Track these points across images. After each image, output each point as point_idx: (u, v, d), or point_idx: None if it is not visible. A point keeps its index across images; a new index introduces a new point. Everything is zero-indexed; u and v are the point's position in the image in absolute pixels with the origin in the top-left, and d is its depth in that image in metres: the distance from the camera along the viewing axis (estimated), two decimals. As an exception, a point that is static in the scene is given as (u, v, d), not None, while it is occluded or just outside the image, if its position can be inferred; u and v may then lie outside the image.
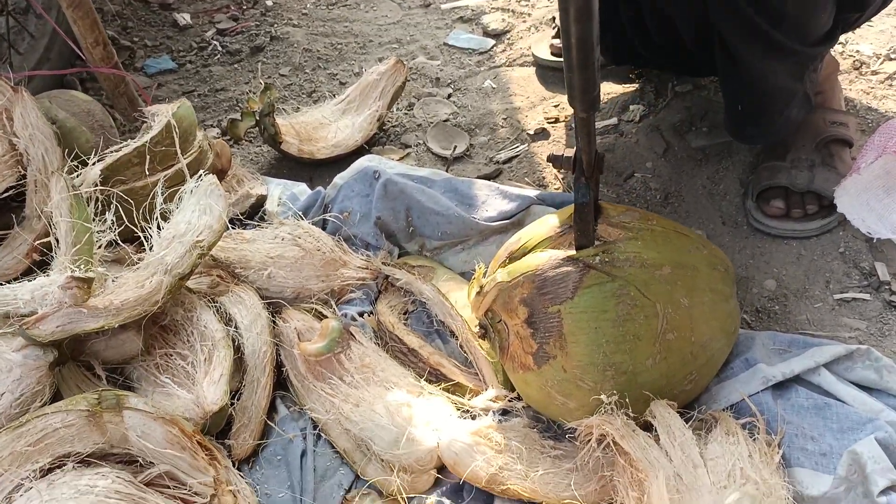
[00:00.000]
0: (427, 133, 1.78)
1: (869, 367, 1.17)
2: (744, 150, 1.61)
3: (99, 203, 1.29)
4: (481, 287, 1.12)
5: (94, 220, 1.26)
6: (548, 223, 1.20)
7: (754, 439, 1.06)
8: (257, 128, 1.68)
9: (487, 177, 1.66)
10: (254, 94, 1.91)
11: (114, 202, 1.28)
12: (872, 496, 1.00)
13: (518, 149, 1.74)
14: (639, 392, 1.06)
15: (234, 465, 1.18)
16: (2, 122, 1.37)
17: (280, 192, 1.58)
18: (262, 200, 1.54)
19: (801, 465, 1.06)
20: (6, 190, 1.36)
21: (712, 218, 1.52)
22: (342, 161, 1.68)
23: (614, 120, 1.76)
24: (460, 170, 1.70)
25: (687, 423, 1.07)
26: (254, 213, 1.54)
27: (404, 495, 1.10)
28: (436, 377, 1.27)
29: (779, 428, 1.09)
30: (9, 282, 1.32)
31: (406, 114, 1.88)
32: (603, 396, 1.03)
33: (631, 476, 1.02)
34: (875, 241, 1.40)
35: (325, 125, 1.73)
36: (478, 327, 1.20)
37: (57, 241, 1.23)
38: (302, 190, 1.60)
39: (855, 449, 1.04)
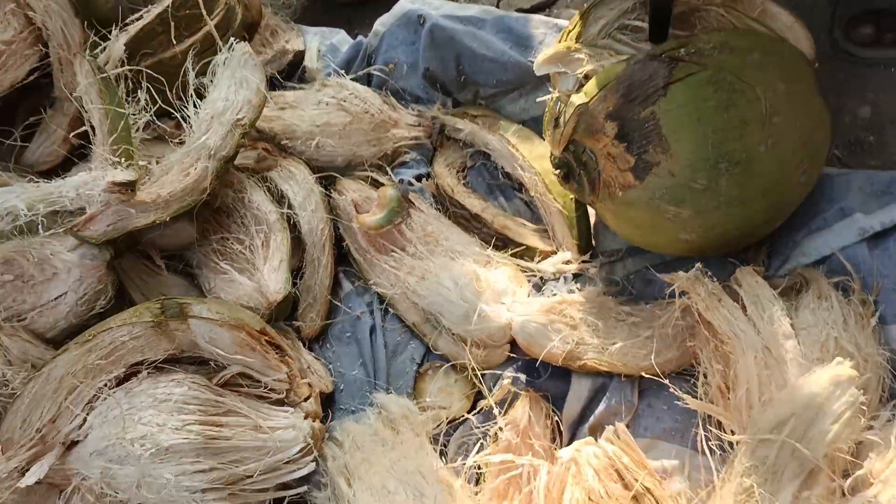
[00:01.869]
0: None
1: None
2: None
3: (129, 81, 1.20)
4: (557, 117, 1.02)
5: (127, 101, 1.18)
6: None
7: (849, 300, 0.99)
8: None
9: (544, 5, 1.50)
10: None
11: (144, 80, 1.19)
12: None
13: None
14: (751, 206, 0.99)
15: (304, 345, 1.18)
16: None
17: (318, 44, 1.46)
18: (300, 56, 1.43)
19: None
20: (31, 72, 1.27)
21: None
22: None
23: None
24: (511, -3, 1.54)
25: (775, 286, 1.00)
26: (293, 70, 1.43)
27: (478, 371, 1.08)
28: (503, 242, 1.21)
29: (875, 284, 1.02)
30: (49, 172, 1.27)
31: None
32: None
33: (715, 348, 0.98)
34: None
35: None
36: (558, 170, 1.10)
37: (92, 128, 1.16)
38: (342, 39, 1.47)
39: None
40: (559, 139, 1.03)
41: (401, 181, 1.27)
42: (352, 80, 1.35)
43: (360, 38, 1.43)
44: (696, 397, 0.98)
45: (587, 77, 1.00)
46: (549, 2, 1.51)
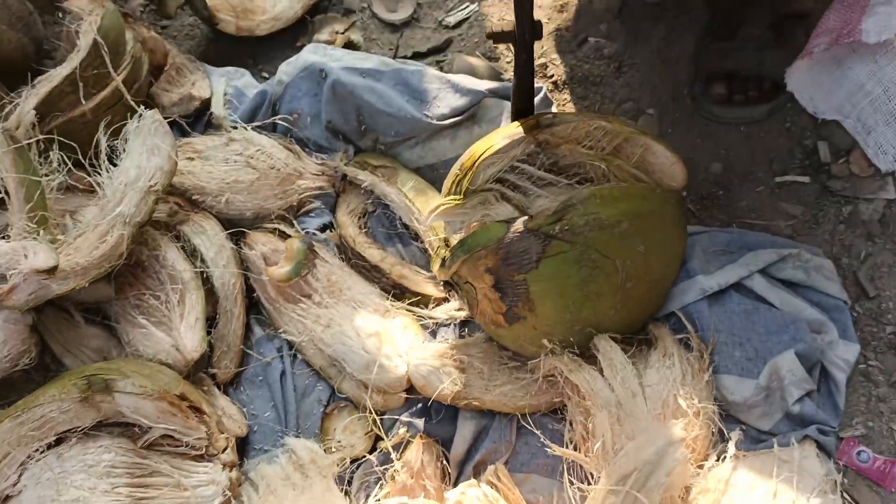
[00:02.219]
0: (372, -10, 1.68)
1: (799, 267, 1.28)
2: (700, 3, 1.56)
3: (40, 143, 1.26)
4: (444, 259, 1.17)
5: (39, 162, 1.24)
6: (495, 136, 1.21)
7: (689, 355, 1.18)
8: (188, 5, 1.57)
9: (438, 49, 1.61)
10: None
11: (56, 142, 1.25)
12: (787, 404, 1.15)
13: (468, 9, 1.66)
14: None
15: (220, 389, 1.30)
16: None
17: (224, 86, 1.52)
18: (206, 104, 1.49)
19: (728, 372, 1.19)
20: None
21: (664, 92, 1.52)
22: (284, 34, 1.61)
23: (567, -27, 1.67)
24: (409, 37, 1.64)
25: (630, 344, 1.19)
26: (199, 114, 1.50)
27: (377, 415, 1.23)
28: (400, 290, 1.34)
29: (711, 337, 1.21)
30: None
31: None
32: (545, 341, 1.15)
33: (578, 402, 1.15)
34: (820, 121, 1.43)
35: (258, -7, 1.63)
36: (443, 285, 1.27)
37: (7, 195, 1.21)
38: (246, 82, 1.54)
39: (776, 362, 1.17)
40: (445, 273, 1.20)
41: (306, 233, 1.38)
42: (258, 126, 1.44)
43: (264, 86, 1.50)
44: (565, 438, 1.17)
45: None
46: (443, 46, 1.62)
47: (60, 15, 1.48)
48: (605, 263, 1.13)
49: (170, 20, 1.69)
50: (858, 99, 1.38)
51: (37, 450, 1.06)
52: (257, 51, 1.64)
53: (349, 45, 1.60)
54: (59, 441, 1.08)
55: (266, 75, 1.62)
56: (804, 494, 1.04)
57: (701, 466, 1.10)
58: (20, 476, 1.07)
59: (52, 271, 1.08)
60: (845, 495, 1.13)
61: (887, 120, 1.38)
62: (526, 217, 1.13)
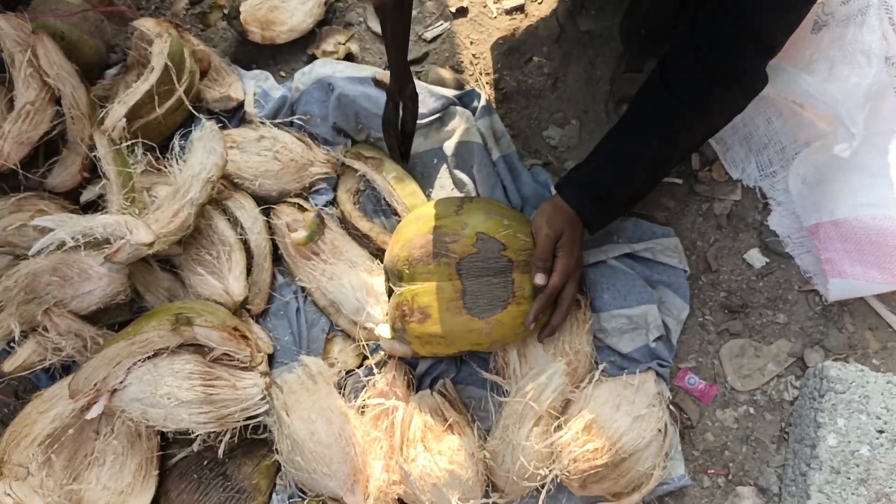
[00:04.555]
0: (366, 11, 2.13)
1: (648, 249, 1.78)
2: (618, 38, 2.04)
3: (127, 140, 1.74)
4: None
5: (128, 156, 1.73)
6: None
7: (578, 310, 1.73)
8: (225, 19, 2.03)
9: (417, 60, 2.07)
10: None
11: (139, 139, 1.74)
12: (649, 340, 1.69)
13: (442, 27, 2.12)
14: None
15: (254, 319, 1.84)
16: (35, 65, 1.73)
17: (253, 87, 2.00)
18: (241, 103, 1.97)
19: (605, 310, 1.72)
20: (48, 131, 1.77)
21: (588, 106, 2.01)
22: (297, 42, 2.08)
23: (522, 1, 2.12)
24: (395, 48, 2.10)
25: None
26: (235, 111, 1.98)
27: (364, 342, 1.78)
28: (383, 253, 1.87)
29: (589, 288, 1.75)
30: (68, 193, 1.82)
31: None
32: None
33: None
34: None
35: (277, 7, 2.07)
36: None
37: (108, 180, 1.71)
38: (271, 85, 2.02)
39: (644, 308, 1.71)
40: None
41: (316, 205, 1.89)
42: (280, 123, 1.93)
43: (284, 91, 1.98)
44: (490, 365, 1.74)
45: None
46: (421, 58, 2.08)
47: (128, 29, 1.93)
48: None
49: (209, 27, 2.15)
50: (722, 124, 1.89)
51: (139, 360, 1.60)
52: (276, 54, 2.11)
53: (348, 55, 2.07)
54: (154, 355, 1.61)
55: (283, 74, 2.09)
56: (639, 404, 1.60)
57: (577, 387, 1.67)
58: (126, 377, 1.61)
59: (151, 244, 1.59)
60: (673, 408, 1.70)
61: (740, 141, 1.89)
62: None
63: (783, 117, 1.80)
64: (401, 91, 1.69)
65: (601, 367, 1.68)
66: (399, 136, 1.80)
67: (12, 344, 1.68)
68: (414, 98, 1.72)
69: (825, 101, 1.59)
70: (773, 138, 1.83)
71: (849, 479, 1.50)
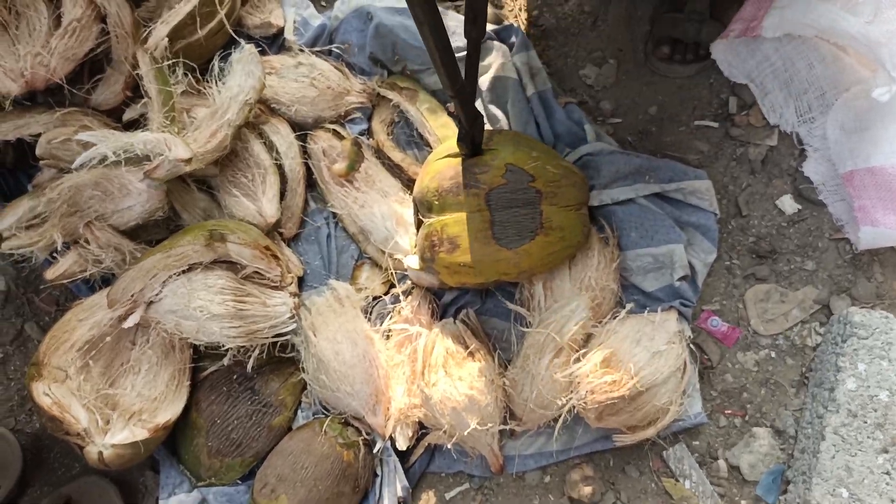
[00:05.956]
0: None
1: (678, 191, 1.78)
2: (663, -24, 2.01)
3: (169, 60, 1.78)
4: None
5: (169, 75, 1.76)
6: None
7: (607, 246, 1.74)
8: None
9: (457, -6, 2.07)
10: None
11: (180, 60, 1.77)
12: (673, 279, 1.71)
13: (484, -39, 2.10)
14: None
15: (286, 243, 1.88)
16: (80, -17, 1.77)
17: (293, 15, 2.01)
18: (281, 30, 1.99)
19: (633, 248, 1.73)
20: (94, 48, 1.80)
21: (626, 46, 2.00)
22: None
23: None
24: (436, -19, 2.09)
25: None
26: (275, 37, 2.00)
27: (392, 270, 1.82)
28: (414, 183, 1.89)
29: (617, 226, 1.75)
30: (111, 111, 1.86)
31: None
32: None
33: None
34: (733, 82, 1.92)
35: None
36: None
37: (150, 98, 1.75)
38: (311, 13, 2.03)
39: (671, 248, 1.72)
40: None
41: (357, 136, 1.91)
42: (318, 51, 1.95)
43: (323, 19, 1.99)
44: (515, 297, 1.76)
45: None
46: (460, -7, 2.08)
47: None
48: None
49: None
50: (763, 68, 1.86)
51: (174, 273, 1.65)
52: (316, -20, 2.12)
53: (389, -15, 2.07)
54: (189, 269, 1.67)
55: (324, 4, 2.10)
56: (658, 340, 1.62)
57: (600, 322, 1.69)
58: (162, 289, 1.66)
59: (189, 161, 1.63)
60: (694, 348, 1.72)
61: (780, 86, 1.86)
62: None
63: (825, 62, 1.77)
64: (472, 125, 1.55)
65: (628, 306, 1.69)
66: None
67: (55, 254, 1.75)
68: (481, 127, 1.60)
69: (867, 43, 1.56)
70: (814, 83, 1.80)
71: (865, 422, 1.51)
